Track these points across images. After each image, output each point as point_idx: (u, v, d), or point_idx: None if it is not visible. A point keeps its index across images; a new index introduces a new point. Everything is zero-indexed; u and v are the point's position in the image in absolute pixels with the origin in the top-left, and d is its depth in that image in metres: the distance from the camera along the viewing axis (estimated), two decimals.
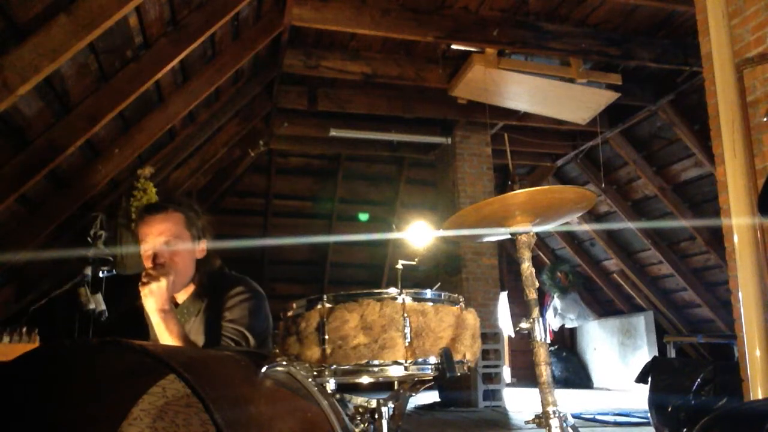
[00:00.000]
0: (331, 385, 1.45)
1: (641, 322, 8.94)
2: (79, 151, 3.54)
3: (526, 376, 9.48)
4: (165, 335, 1.68)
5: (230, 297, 1.83)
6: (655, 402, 3.90)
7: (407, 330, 1.47)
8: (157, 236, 1.80)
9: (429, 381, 1.61)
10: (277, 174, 8.42)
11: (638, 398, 5.53)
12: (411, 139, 7.29)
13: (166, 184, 5.65)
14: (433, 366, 1.49)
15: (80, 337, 1.78)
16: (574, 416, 5.08)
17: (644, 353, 8.64)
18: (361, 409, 1.51)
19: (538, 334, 1.77)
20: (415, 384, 1.66)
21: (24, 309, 4.42)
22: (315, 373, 1.41)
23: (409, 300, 1.51)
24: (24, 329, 1.84)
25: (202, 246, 1.90)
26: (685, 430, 3.50)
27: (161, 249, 1.79)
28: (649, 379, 4.04)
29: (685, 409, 3.58)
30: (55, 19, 2.52)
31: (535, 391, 1.77)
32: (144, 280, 1.69)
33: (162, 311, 1.68)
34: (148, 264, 1.80)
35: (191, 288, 1.87)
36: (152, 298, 1.67)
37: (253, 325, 1.80)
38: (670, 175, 7.23)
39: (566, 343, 10.66)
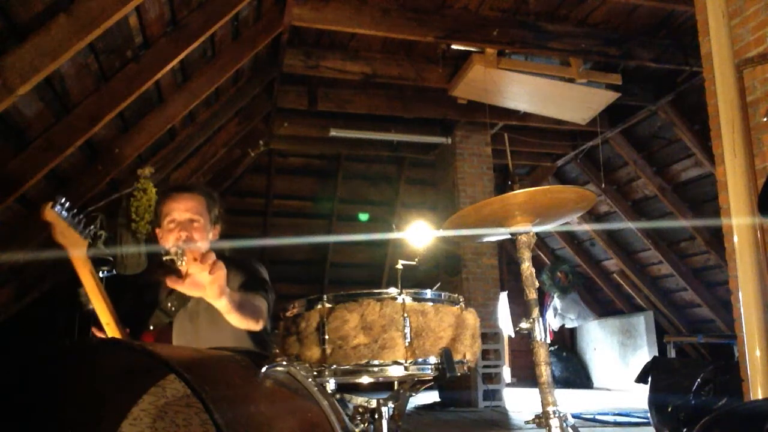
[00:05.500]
0: (331, 385, 1.45)
1: (641, 322, 8.94)
2: (79, 151, 3.54)
3: (526, 376, 9.48)
4: (233, 314, 1.62)
5: (241, 266, 1.96)
6: (655, 402, 3.90)
7: (407, 330, 1.47)
8: (184, 212, 1.91)
9: (429, 381, 1.61)
10: (277, 174, 8.42)
11: (638, 398, 5.53)
12: (411, 139, 7.29)
13: (166, 184, 5.64)
14: (433, 366, 1.49)
15: (80, 337, 1.77)
16: (574, 416, 5.08)
17: (644, 353, 8.64)
18: (361, 409, 1.51)
19: (538, 334, 1.77)
20: (415, 384, 1.66)
21: (23, 309, 4.41)
22: (315, 373, 1.41)
23: (409, 300, 1.50)
24: (83, 220, 1.78)
25: (216, 230, 2.02)
26: (685, 430, 3.50)
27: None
28: (649, 379, 4.04)
29: (685, 409, 3.59)
30: (55, 19, 2.51)
31: (535, 391, 1.77)
32: (213, 269, 1.51)
33: (225, 294, 1.58)
34: (169, 237, 1.89)
35: None
36: (218, 285, 1.54)
37: (267, 280, 1.95)
38: (670, 175, 7.23)
39: (566, 343, 10.66)
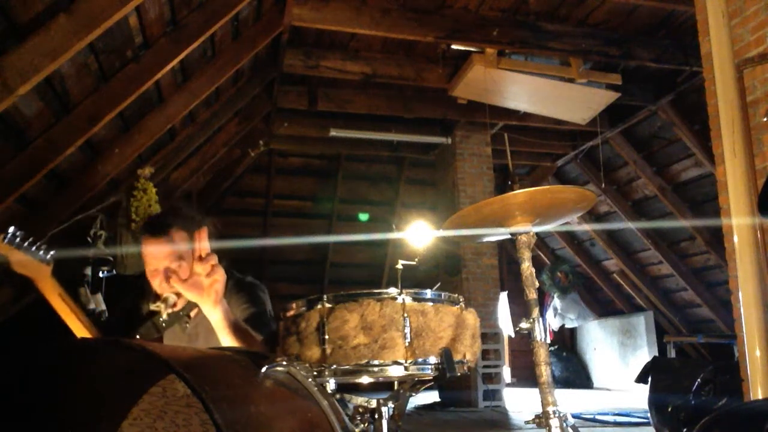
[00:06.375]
0: (331, 385, 1.45)
1: (641, 322, 8.94)
2: (79, 151, 3.54)
3: (526, 376, 9.48)
4: (227, 333, 1.62)
5: (246, 291, 1.88)
6: (655, 402, 3.90)
7: (407, 330, 1.46)
8: (162, 260, 1.80)
9: (429, 381, 1.61)
10: (277, 174, 8.43)
11: (638, 398, 5.54)
12: (411, 139, 7.29)
13: (166, 184, 5.64)
14: (433, 366, 1.49)
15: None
16: (574, 416, 5.08)
17: (644, 353, 8.65)
18: (361, 409, 1.50)
19: (538, 334, 1.77)
20: (415, 384, 1.66)
21: (23, 309, 4.42)
22: (315, 373, 1.41)
23: (409, 300, 1.50)
24: (44, 246, 1.74)
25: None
26: (685, 430, 3.50)
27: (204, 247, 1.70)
28: (649, 379, 4.04)
29: (685, 409, 3.59)
30: (55, 19, 2.51)
31: (535, 391, 1.77)
32: (212, 271, 1.55)
33: (221, 306, 1.60)
34: (153, 282, 1.80)
35: None
36: (214, 290, 1.56)
37: (272, 312, 1.87)
38: (670, 175, 7.23)
39: (566, 343, 10.66)
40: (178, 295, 1.79)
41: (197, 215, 1.91)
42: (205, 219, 1.91)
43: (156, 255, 1.80)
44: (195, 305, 1.79)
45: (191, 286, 1.56)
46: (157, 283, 1.80)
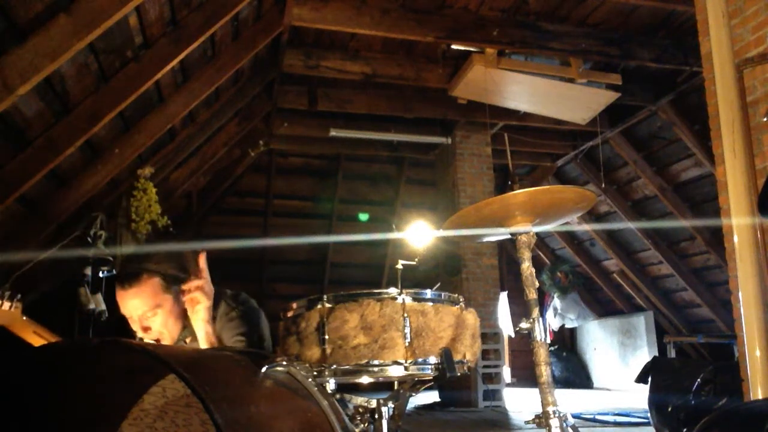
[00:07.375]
0: (331, 385, 1.45)
1: (641, 322, 8.94)
2: (79, 151, 3.54)
3: (526, 376, 9.48)
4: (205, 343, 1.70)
5: (235, 317, 1.87)
6: (655, 402, 3.90)
7: (407, 330, 1.47)
8: (133, 310, 1.79)
9: (429, 381, 1.61)
10: (277, 174, 8.42)
11: (638, 398, 5.53)
12: (411, 139, 7.29)
13: (166, 184, 5.64)
14: (433, 366, 1.49)
15: (80, 337, 1.77)
16: (574, 416, 5.07)
17: (644, 353, 8.64)
18: (361, 409, 1.51)
19: (538, 334, 1.77)
20: (415, 384, 1.66)
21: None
22: (315, 373, 1.41)
23: (409, 300, 1.50)
24: (6, 293, 1.74)
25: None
26: (685, 430, 3.50)
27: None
28: (649, 379, 4.04)
29: (685, 409, 3.58)
30: (55, 19, 2.52)
31: (535, 391, 1.77)
32: (196, 289, 1.67)
33: (207, 326, 1.69)
34: (133, 325, 1.82)
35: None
36: (196, 305, 1.66)
37: (264, 335, 1.88)
38: (670, 175, 7.23)
39: (566, 343, 10.66)
40: (158, 341, 1.81)
41: (175, 255, 1.89)
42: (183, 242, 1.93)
43: (126, 306, 1.80)
44: (191, 333, 1.81)
45: (189, 301, 1.68)
46: (135, 328, 1.82)
